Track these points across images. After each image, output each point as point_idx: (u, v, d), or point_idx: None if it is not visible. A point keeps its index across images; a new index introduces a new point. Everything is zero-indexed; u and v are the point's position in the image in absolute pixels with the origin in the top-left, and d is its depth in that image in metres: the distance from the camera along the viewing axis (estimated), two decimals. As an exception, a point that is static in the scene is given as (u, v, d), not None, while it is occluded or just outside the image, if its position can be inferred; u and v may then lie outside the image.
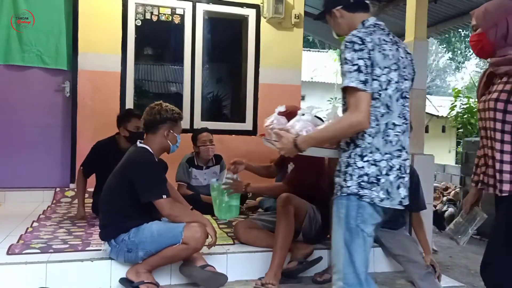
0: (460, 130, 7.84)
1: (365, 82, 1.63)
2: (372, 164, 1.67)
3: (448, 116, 7.74)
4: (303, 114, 2.05)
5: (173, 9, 4.94)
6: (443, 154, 11.55)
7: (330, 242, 1.94)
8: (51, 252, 2.66)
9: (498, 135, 1.87)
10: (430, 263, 2.82)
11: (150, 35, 5.26)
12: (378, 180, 1.67)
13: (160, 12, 4.89)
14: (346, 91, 1.67)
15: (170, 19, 4.94)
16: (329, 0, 1.89)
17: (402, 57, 1.77)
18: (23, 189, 4.49)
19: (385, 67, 1.68)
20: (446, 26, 5.88)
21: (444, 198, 5.72)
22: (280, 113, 2.26)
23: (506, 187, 1.85)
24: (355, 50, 1.65)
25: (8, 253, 2.62)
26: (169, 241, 2.45)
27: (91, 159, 3.57)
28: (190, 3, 4.97)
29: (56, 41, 4.58)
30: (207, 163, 4.14)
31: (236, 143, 4.89)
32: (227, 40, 5.76)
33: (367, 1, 1.85)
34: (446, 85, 26.12)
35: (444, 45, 20.92)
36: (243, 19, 5.25)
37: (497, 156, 1.87)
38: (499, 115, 1.86)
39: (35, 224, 3.37)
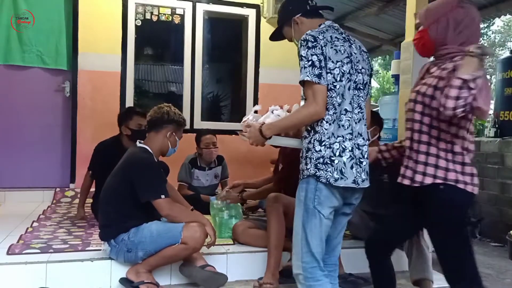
0: (460, 130, 7.82)
1: (319, 76, 1.78)
2: (328, 147, 1.81)
3: (448, 116, 7.73)
4: (272, 112, 2.17)
5: (173, 9, 4.94)
6: (443, 154, 11.50)
7: None
8: (51, 252, 2.66)
9: (416, 126, 1.92)
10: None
11: (150, 35, 5.27)
12: (332, 161, 1.80)
13: (160, 12, 4.89)
14: (304, 84, 1.82)
15: (170, 19, 4.94)
16: (289, 10, 2.05)
17: (355, 53, 1.90)
18: (23, 189, 4.49)
19: (338, 61, 1.82)
20: (446, 26, 5.87)
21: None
22: (256, 112, 2.33)
23: (418, 178, 1.90)
24: (308, 47, 1.80)
25: (8, 253, 2.62)
26: (168, 241, 2.45)
27: (97, 161, 3.50)
28: (190, 3, 4.97)
29: (56, 41, 4.58)
30: (210, 164, 4.14)
31: (236, 143, 4.87)
32: (227, 40, 5.77)
33: (320, 11, 2.03)
34: (446, 85, 26.16)
35: (444, 45, 20.95)
36: (243, 19, 5.25)
37: (415, 146, 1.92)
38: (418, 107, 1.90)
39: (35, 224, 3.37)
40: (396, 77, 6.64)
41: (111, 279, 2.59)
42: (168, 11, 4.92)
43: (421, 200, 1.94)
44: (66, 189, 4.55)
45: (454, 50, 1.87)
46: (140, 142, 2.67)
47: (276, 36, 2.17)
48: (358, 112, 1.90)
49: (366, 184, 1.91)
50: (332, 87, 1.81)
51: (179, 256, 2.53)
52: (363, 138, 1.90)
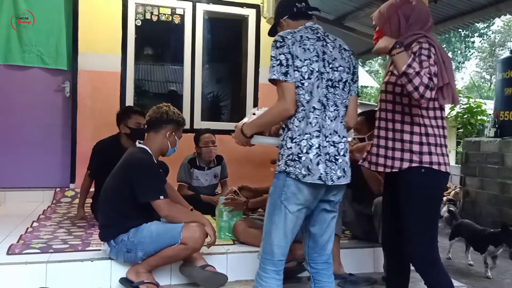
0: (460, 130, 7.84)
1: (285, 74, 1.85)
2: (297, 144, 1.84)
3: (448, 116, 7.73)
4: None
5: (173, 9, 4.94)
6: (443, 154, 11.51)
7: None
8: (51, 252, 2.67)
9: (389, 115, 2.03)
10: None
11: (150, 35, 5.27)
12: (300, 158, 1.83)
13: (160, 12, 4.90)
14: (275, 83, 1.89)
15: (170, 19, 4.95)
16: (279, 12, 2.12)
17: (330, 51, 1.93)
18: (23, 189, 4.50)
19: (305, 59, 1.86)
20: (446, 26, 5.88)
21: (444, 198, 5.73)
22: (254, 114, 2.35)
23: (396, 163, 1.99)
24: (277, 47, 1.88)
25: (8, 253, 2.62)
26: (167, 241, 2.45)
27: (96, 160, 3.49)
28: (190, 3, 4.98)
29: (56, 41, 4.59)
30: (209, 164, 4.14)
31: (235, 143, 4.89)
32: (227, 40, 5.77)
33: (309, 12, 2.08)
34: (446, 85, 26.12)
35: (444, 45, 20.97)
36: (243, 19, 5.25)
37: (389, 134, 2.02)
38: (390, 97, 2.03)
39: (35, 224, 3.37)
40: (396, 77, 6.62)
41: (111, 279, 2.59)
42: (168, 11, 4.93)
43: (397, 185, 2.02)
44: (66, 189, 4.55)
45: (410, 40, 1.99)
46: (139, 143, 2.67)
47: (273, 32, 2.22)
48: (334, 110, 1.90)
49: (344, 181, 1.91)
50: (300, 85, 1.85)
51: (179, 256, 2.53)
52: (339, 136, 1.91)
